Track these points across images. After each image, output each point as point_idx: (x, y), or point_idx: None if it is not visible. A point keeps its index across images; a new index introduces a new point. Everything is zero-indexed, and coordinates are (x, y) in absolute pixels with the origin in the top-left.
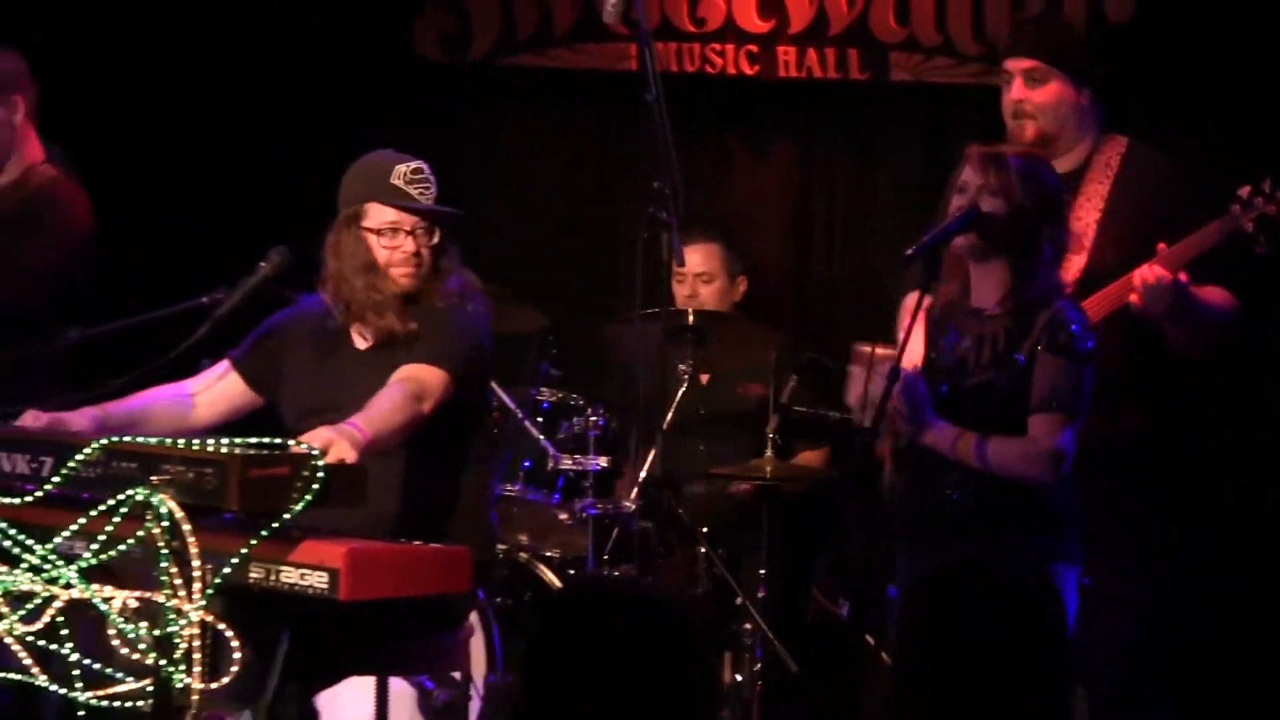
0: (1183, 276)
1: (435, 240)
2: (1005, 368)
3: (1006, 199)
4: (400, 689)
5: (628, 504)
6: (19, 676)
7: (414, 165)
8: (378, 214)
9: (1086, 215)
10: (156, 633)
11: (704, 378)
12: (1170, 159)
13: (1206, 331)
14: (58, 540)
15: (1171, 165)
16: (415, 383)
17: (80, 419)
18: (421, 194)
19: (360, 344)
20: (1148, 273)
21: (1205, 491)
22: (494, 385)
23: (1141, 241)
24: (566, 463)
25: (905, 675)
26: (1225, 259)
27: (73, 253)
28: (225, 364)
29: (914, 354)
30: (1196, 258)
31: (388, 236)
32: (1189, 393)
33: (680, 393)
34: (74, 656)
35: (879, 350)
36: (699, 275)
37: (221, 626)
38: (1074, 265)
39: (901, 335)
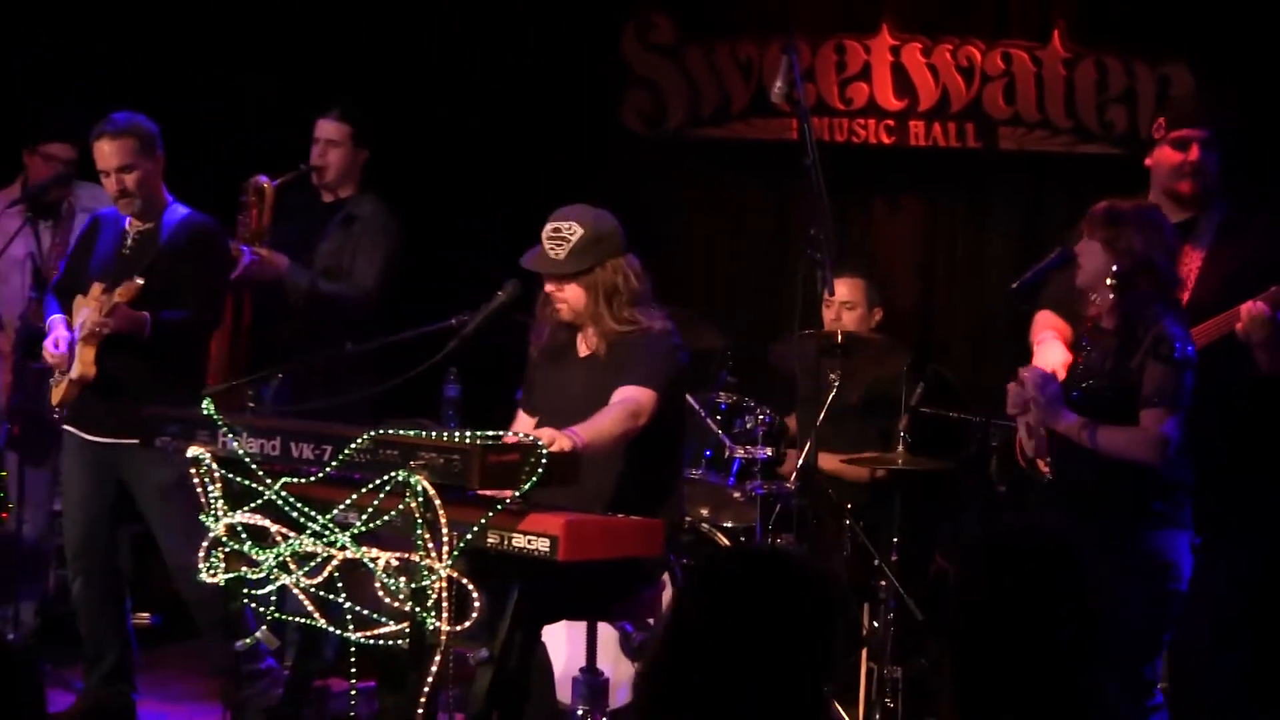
0: (1272, 312)
1: (577, 291)
2: (1120, 374)
3: (1099, 243)
4: (606, 632)
5: (789, 485)
6: (305, 620)
7: (553, 226)
8: None
9: (1192, 260)
10: (413, 586)
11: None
12: (1271, 216)
13: None
14: (335, 511)
15: (1271, 221)
16: (634, 403)
17: None
18: (550, 249)
19: (581, 353)
20: (1253, 306)
21: None
22: None
23: (1237, 285)
24: (739, 452)
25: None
26: None
27: (226, 273)
28: (520, 413)
29: (1047, 363)
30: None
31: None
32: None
33: (831, 396)
34: (347, 604)
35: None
36: (844, 303)
37: (465, 581)
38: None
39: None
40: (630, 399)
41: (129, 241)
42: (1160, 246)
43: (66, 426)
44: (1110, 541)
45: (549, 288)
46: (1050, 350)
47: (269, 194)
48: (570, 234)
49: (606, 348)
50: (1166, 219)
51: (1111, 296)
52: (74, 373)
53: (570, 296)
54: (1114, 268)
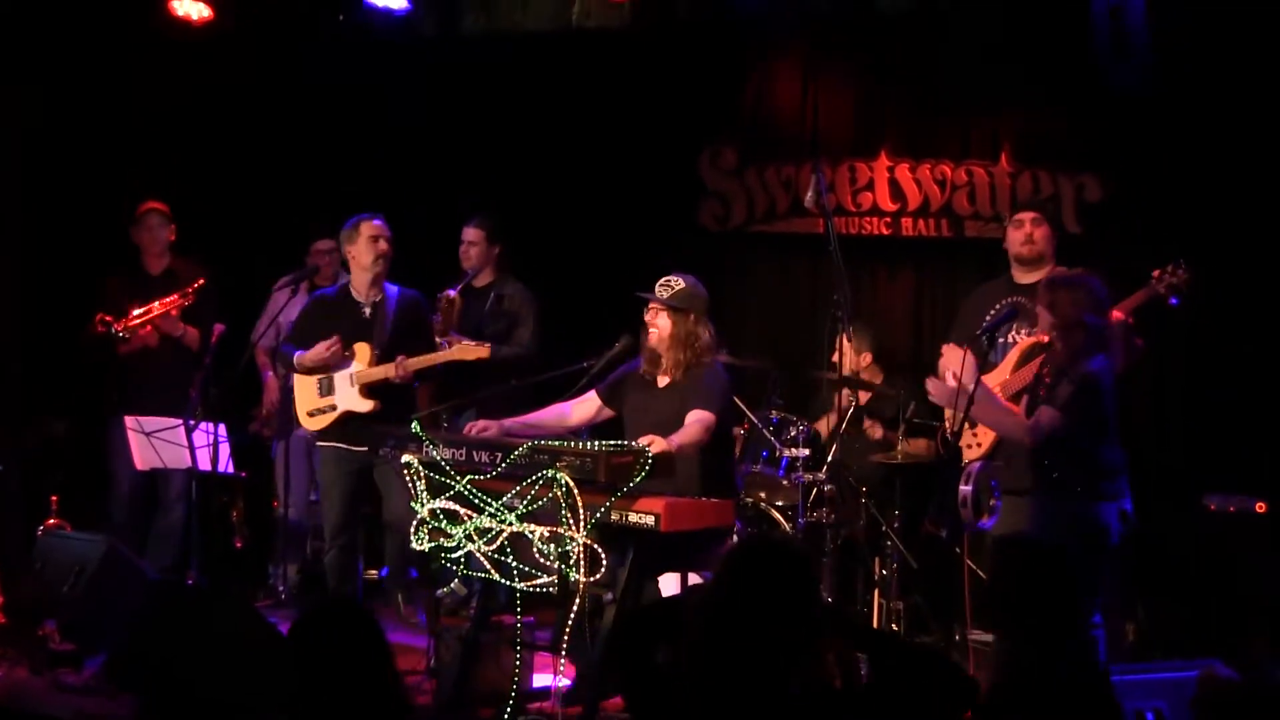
0: (1129, 320)
1: (667, 320)
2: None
3: (1044, 307)
4: (694, 579)
5: (821, 475)
6: (483, 575)
7: (666, 278)
8: None
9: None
10: (560, 549)
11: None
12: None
13: (1132, 356)
14: (504, 498)
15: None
16: (705, 421)
17: (502, 424)
18: (660, 290)
19: (661, 384)
20: (1115, 314)
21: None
22: (746, 410)
23: None
24: (787, 452)
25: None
26: (1146, 315)
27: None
28: (592, 393)
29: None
30: (1134, 310)
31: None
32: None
33: (849, 412)
34: (514, 563)
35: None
36: (860, 355)
37: (595, 546)
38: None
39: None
40: (702, 419)
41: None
42: (1088, 305)
43: None
44: (1058, 511)
45: (649, 315)
46: (951, 353)
47: (458, 302)
48: (675, 284)
49: (678, 380)
50: (1093, 281)
51: (1056, 345)
52: None
53: (661, 324)
54: (1054, 323)
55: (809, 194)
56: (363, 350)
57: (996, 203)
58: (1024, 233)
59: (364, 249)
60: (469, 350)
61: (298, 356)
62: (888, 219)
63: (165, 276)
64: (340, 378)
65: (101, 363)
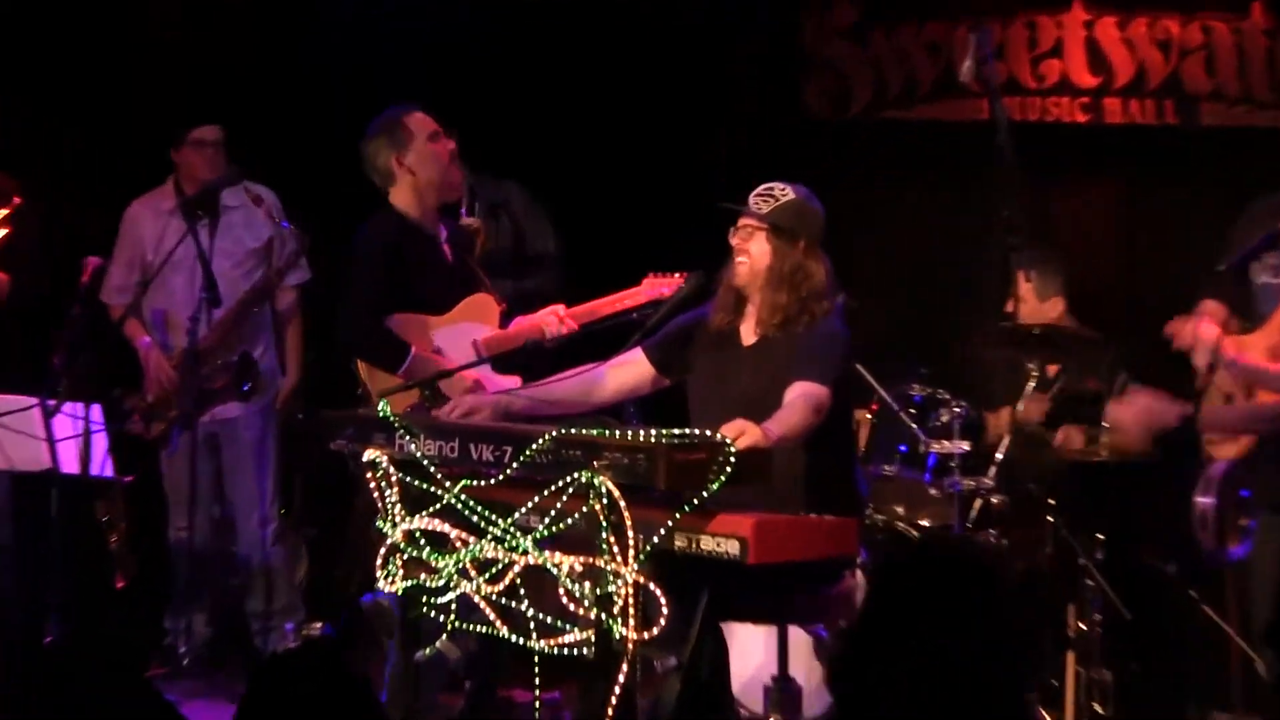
0: None
1: (766, 245)
2: None
3: None
4: (798, 636)
5: (988, 481)
6: (485, 629)
7: (765, 186)
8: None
9: None
10: (598, 591)
11: (1051, 369)
12: None
13: None
14: (516, 515)
15: None
16: (815, 398)
17: (499, 400)
18: (756, 203)
19: (746, 341)
20: None
21: None
22: (874, 383)
23: None
24: (935, 446)
25: None
26: None
27: None
28: (638, 350)
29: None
30: None
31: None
32: None
33: (1030, 387)
34: (530, 611)
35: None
36: (1046, 300)
37: (652, 586)
38: None
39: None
40: (811, 394)
41: None
42: None
43: None
44: None
45: (738, 237)
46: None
47: (480, 228)
48: (782, 194)
49: (773, 336)
50: None
51: None
52: None
53: (756, 252)
54: None
55: (966, 64)
56: (484, 305)
57: (1247, 75)
58: None
59: (426, 155)
60: (667, 281)
61: (410, 365)
62: (1085, 99)
63: None
64: (461, 351)
65: None
